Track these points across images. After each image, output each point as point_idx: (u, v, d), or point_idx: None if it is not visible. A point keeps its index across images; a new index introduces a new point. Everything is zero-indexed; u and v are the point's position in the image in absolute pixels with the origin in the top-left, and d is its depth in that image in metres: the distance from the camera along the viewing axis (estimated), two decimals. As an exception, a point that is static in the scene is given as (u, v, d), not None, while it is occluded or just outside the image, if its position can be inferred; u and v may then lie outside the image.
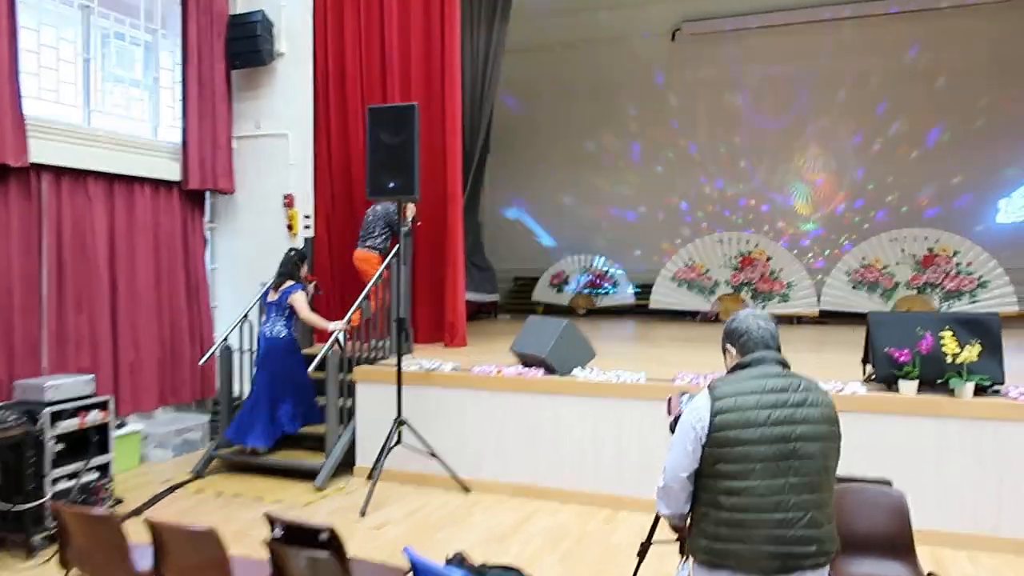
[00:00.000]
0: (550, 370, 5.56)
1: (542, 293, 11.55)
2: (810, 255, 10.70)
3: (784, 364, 2.45)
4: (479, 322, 10.27)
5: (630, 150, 11.77)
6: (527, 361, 5.88)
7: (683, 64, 11.32)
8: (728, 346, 2.55)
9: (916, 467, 4.55)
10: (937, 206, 10.15)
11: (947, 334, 4.57)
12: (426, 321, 7.54)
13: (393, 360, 5.85)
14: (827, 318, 9.53)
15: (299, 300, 6.08)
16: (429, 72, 7.40)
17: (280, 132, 7.39)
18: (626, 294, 11.08)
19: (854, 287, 9.25)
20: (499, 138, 12.21)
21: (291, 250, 6.38)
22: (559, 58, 11.80)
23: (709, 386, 2.43)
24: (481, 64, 9.95)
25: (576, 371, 5.52)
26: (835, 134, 10.71)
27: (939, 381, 4.61)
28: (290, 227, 7.34)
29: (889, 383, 4.78)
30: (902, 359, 4.64)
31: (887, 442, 4.62)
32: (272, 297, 6.19)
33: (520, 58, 11.68)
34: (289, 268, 6.21)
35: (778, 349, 2.49)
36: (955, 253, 8.81)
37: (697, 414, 2.36)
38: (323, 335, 6.46)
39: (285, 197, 7.34)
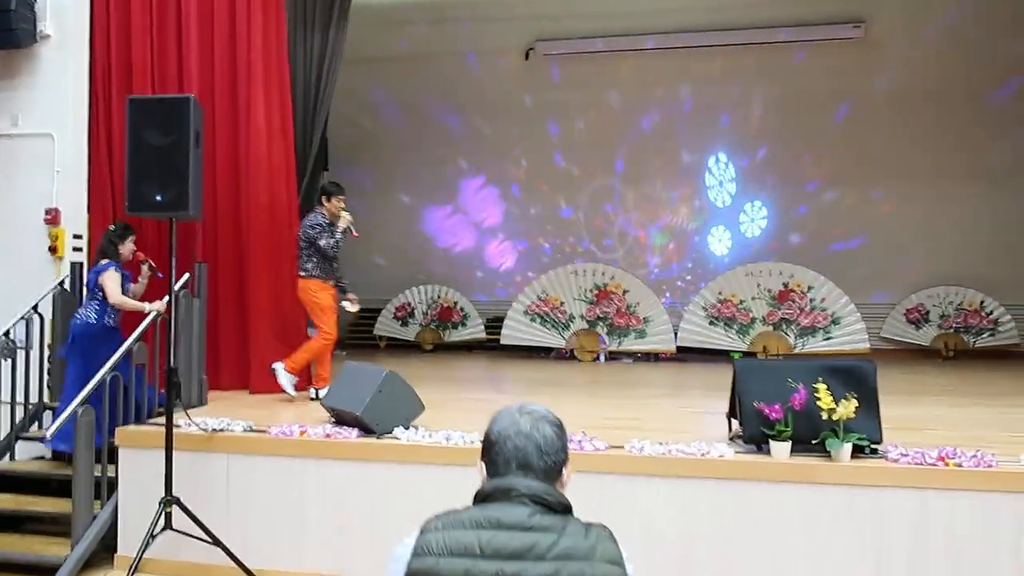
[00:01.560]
0: (366, 430, 4.53)
1: (385, 326, 10.48)
2: (665, 289, 10.28)
3: (543, 502, 1.57)
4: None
5: (483, 173, 10.99)
6: (341, 418, 4.82)
7: (536, 85, 10.71)
8: (479, 460, 1.69)
9: (786, 543, 3.88)
10: (792, 236, 10.01)
11: (821, 387, 3.96)
12: (234, 362, 6.30)
13: (178, 415, 4.59)
14: (685, 354, 9.07)
15: (109, 279, 5.15)
16: (239, 66, 6.25)
17: (43, 131, 5.98)
18: (476, 329, 10.21)
19: (711, 323, 8.83)
20: (340, 155, 11.12)
21: (115, 222, 5.53)
22: (407, 72, 10.89)
23: (422, 527, 1.60)
24: (315, 70, 8.83)
25: (398, 431, 4.51)
26: (695, 162, 10.40)
27: (814, 441, 3.98)
28: (53, 249, 5.91)
29: (759, 443, 4.11)
30: (773, 416, 3.98)
31: (755, 515, 3.93)
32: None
33: (366, 70, 10.70)
34: (104, 244, 5.34)
35: (548, 473, 1.62)
36: (809, 288, 8.58)
37: (395, 565, 1.56)
38: (134, 324, 5.20)
39: (48, 212, 5.92)
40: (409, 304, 10.43)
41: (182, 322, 5.43)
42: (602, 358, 9.16)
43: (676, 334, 8.91)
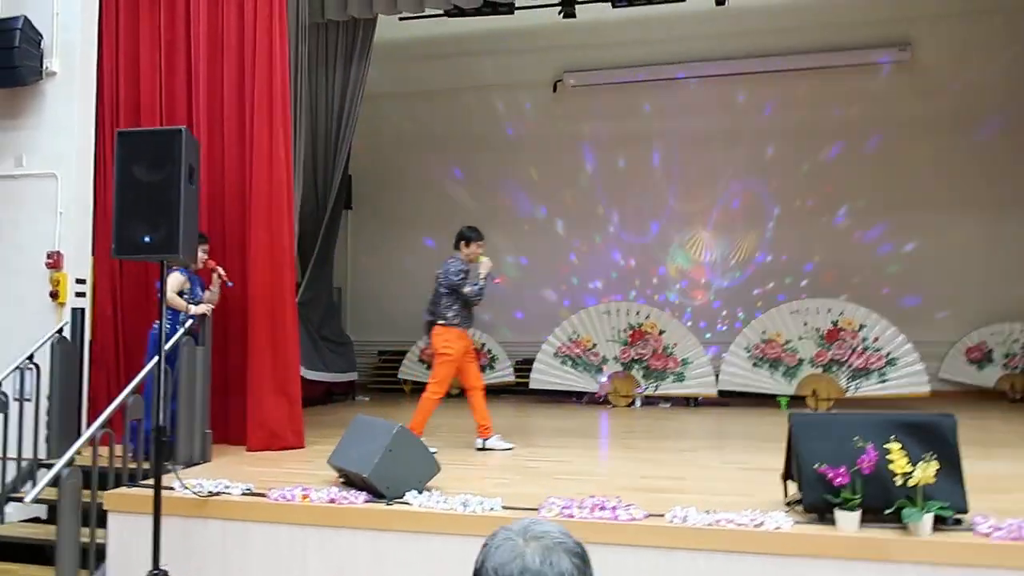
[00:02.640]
0: (376, 494, 4.07)
1: (410, 370, 10.05)
2: (705, 330, 9.72)
3: None
4: (329, 408, 8.69)
5: (511, 208, 10.60)
6: (349, 479, 4.38)
7: (565, 117, 10.35)
8: None
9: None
10: (837, 274, 9.41)
11: (894, 447, 3.41)
12: (240, 414, 5.90)
13: (170, 476, 4.19)
14: (726, 397, 8.48)
15: (169, 279, 5.12)
16: (246, 105, 5.96)
17: (46, 171, 5.72)
18: (505, 372, 9.73)
19: (755, 364, 8.24)
20: (363, 193, 10.87)
21: None
22: (433, 107, 10.65)
23: None
24: (336, 106, 8.62)
25: (410, 495, 4.04)
26: (732, 197, 9.90)
27: (887, 511, 3.41)
28: (55, 295, 5.61)
29: (821, 512, 3.55)
30: (839, 481, 3.43)
31: (822, 597, 3.37)
32: None
33: (390, 105, 10.49)
34: None
35: None
36: (861, 327, 7.95)
37: None
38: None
39: (49, 256, 5.63)
40: (435, 346, 9.99)
41: (184, 371, 5.08)
42: (637, 403, 8.61)
43: (717, 376, 8.33)
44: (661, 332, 8.55)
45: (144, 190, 3.83)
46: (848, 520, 3.42)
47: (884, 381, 7.80)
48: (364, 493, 4.08)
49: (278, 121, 5.86)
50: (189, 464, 5.02)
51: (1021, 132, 8.90)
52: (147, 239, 3.81)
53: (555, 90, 10.39)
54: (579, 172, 10.37)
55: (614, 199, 10.23)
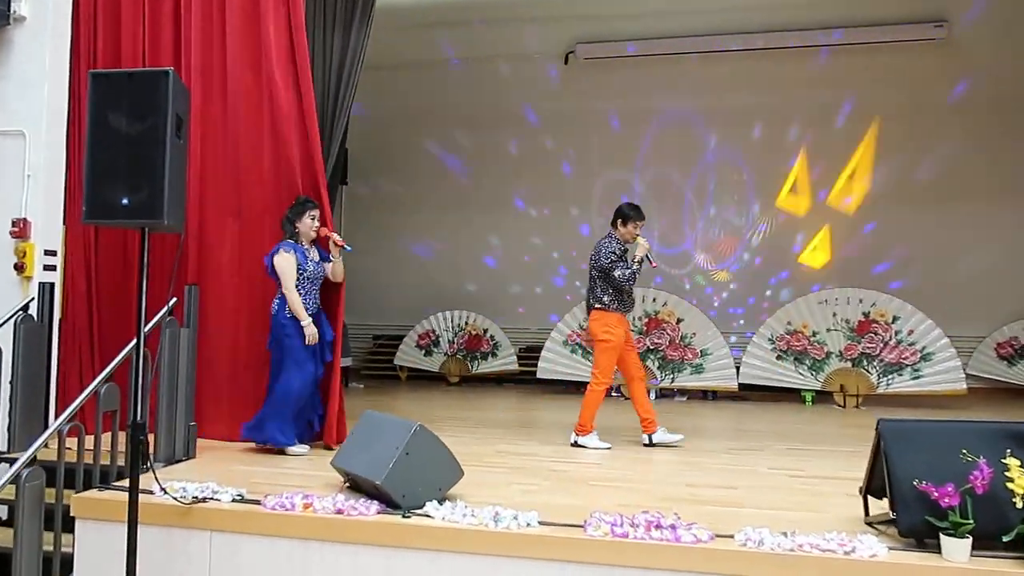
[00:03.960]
0: (390, 503, 3.50)
1: (407, 356, 9.49)
2: (716, 319, 9.20)
3: None
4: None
5: (513, 188, 10.01)
6: (357, 484, 3.81)
7: (576, 92, 9.75)
8: None
9: None
10: (870, 264, 8.90)
11: (1013, 462, 2.90)
12: (240, 402, 5.32)
13: (147, 477, 3.59)
14: (747, 391, 7.99)
15: (281, 264, 4.78)
16: (251, 59, 5.35)
17: (13, 129, 5.06)
18: (508, 360, 9.18)
19: (778, 357, 7.73)
20: (359, 169, 10.23)
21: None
22: (431, 78, 9.99)
23: None
24: (335, 74, 7.91)
25: (430, 506, 3.48)
26: (750, 176, 9.36)
27: (1005, 538, 2.89)
28: (20, 267, 4.97)
29: (920, 537, 3.03)
30: (947, 502, 2.90)
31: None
32: None
33: (384, 76, 9.81)
34: (282, 222, 5.00)
35: None
36: (894, 319, 7.46)
37: None
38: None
39: (14, 224, 4.98)
40: (433, 332, 9.44)
41: (166, 357, 4.48)
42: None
43: (738, 369, 7.82)
44: (679, 321, 8.03)
45: (123, 143, 3.21)
46: (958, 548, 2.89)
47: (918, 377, 7.32)
48: (375, 502, 3.51)
49: (302, 75, 5.28)
50: (171, 462, 4.44)
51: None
52: (125, 201, 3.19)
53: (566, 62, 9.78)
54: (589, 149, 9.79)
55: (628, 180, 9.65)
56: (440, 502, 3.51)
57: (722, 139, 9.43)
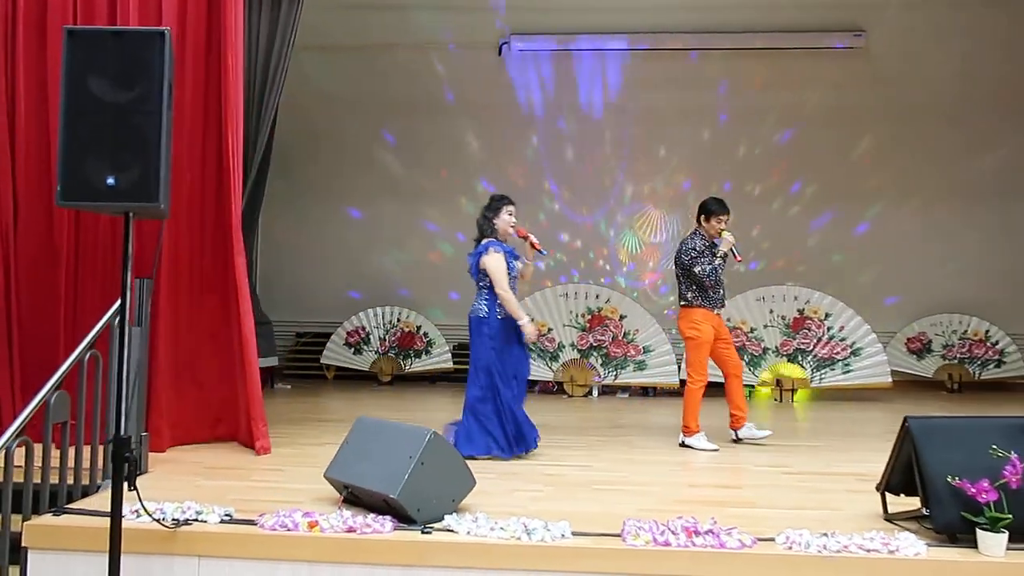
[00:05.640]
0: (403, 519, 3.22)
1: (335, 355, 9.04)
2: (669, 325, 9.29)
3: None
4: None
5: (445, 180, 9.73)
6: (358, 498, 3.50)
7: (509, 83, 9.58)
8: None
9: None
10: (803, 261, 9.21)
11: (1043, 457, 2.98)
12: (189, 407, 4.86)
13: (104, 497, 3.15)
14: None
15: (492, 264, 4.62)
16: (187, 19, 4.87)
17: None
18: (442, 357, 8.91)
19: (718, 353, 7.86)
20: (279, 157, 9.62)
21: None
22: (356, 64, 9.52)
23: None
24: (263, 55, 7.38)
25: (450, 519, 3.23)
26: (683, 178, 9.49)
27: (1037, 532, 2.98)
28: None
29: (954, 533, 3.07)
30: (984, 497, 2.95)
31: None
32: None
33: (319, 59, 9.30)
34: (479, 220, 4.89)
35: None
36: (827, 316, 7.76)
37: None
38: None
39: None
40: (363, 328, 9.03)
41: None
42: (595, 392, 8.06)
43: (679, 366, 7.91)
44: (622, 317, 8.04)
45: (107, 114, 2.77)
46: (995, 543, 2.95)
47: (848, 371, 7.65)
48: (389, 518, 3.22)
49: (229, 55, 4.81)
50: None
51: (968, 124, 9.00)
52: (111, 181, 2.76)
53: (500, 53, 9.59)
54: (524, 144, 9.64)
55: (561, 175, 9.58)
56: (458, 513, 3.27)
57: (644, 137, 9.49)
